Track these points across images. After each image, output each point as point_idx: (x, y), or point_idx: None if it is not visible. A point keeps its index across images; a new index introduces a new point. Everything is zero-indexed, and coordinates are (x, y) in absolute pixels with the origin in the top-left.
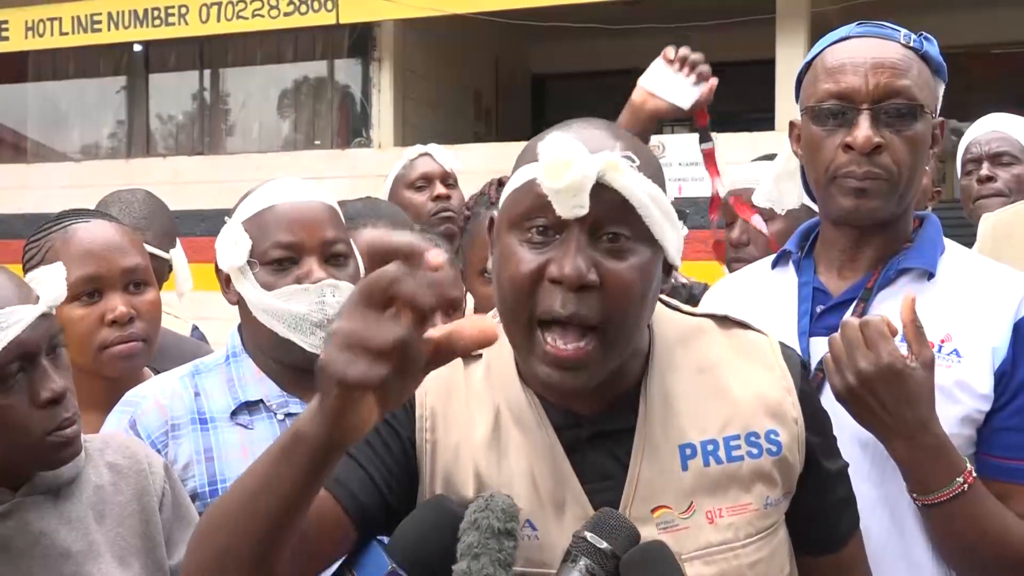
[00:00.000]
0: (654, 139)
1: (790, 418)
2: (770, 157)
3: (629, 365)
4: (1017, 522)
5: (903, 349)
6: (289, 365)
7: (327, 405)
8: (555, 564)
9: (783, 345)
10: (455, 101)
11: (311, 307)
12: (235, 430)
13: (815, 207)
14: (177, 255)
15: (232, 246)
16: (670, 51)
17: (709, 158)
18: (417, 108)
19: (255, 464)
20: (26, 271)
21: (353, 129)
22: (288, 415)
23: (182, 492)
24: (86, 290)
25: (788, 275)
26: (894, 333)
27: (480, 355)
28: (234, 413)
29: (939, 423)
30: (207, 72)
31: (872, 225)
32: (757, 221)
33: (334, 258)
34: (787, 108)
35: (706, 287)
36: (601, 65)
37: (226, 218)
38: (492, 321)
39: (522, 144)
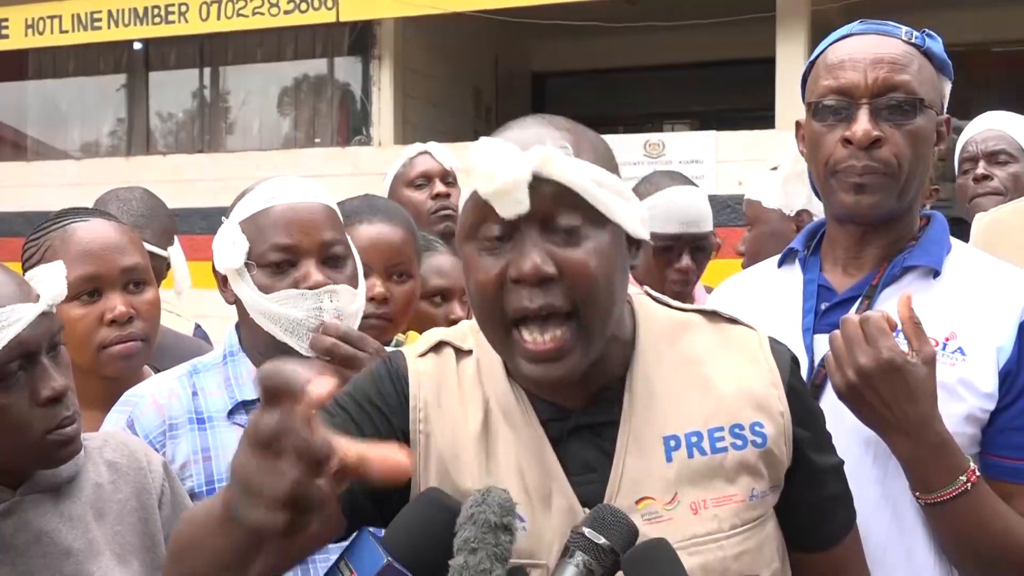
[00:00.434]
0: (654, 137)
1: (776, 411)
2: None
3: (613, 357)
4: (1020, 522)
5: (904, 346)
6: None
7: None
8: (543, 555)
9: (773, 340)
10: (455, 99)
11: (308, 312)
12: (232, 430)
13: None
14: (175, 253)
15: (229, 247)
16: None
17: None
18: (417, 106)
19: (201, 514)
20: (25, 270)
21: (353, 127)
22: None
23: (181, 490)
24: (85, 289)
25: (794, 273)
26: (894, 328)
27: (471, 351)
28: (231, 412)
29: (942, 421)
30: (207, 70)
31: (875, 222)
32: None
33: (332, 260)
34: (787, 106)
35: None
36: (602, 63)
37: (223, 218)
38: (404, 460)
39: None
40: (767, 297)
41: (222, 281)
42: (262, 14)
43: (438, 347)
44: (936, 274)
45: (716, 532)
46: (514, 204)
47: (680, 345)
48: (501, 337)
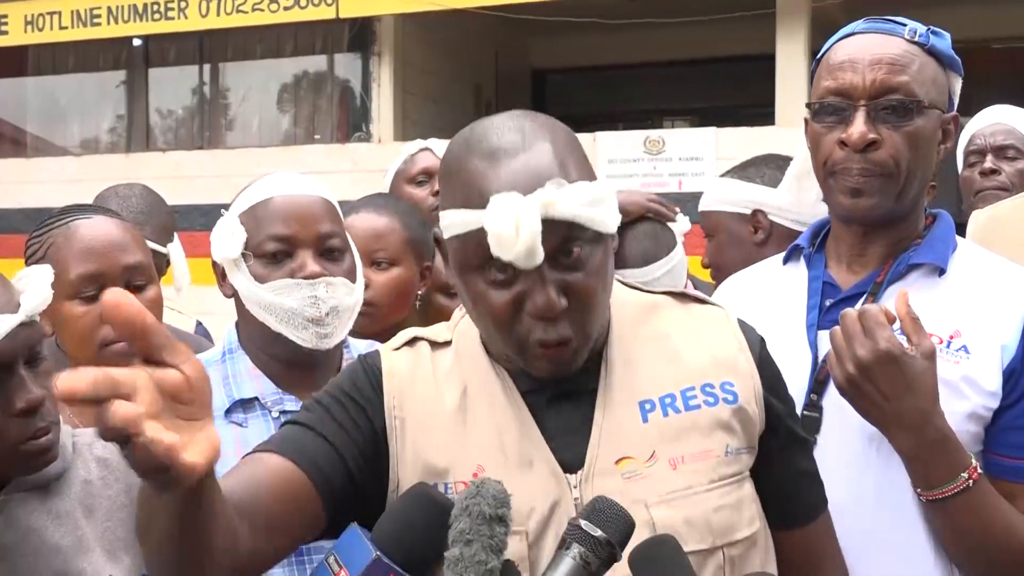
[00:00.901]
0: (654, 134)
1: (744, 372)
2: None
3: None
4: (1022, 520)
5: (905, 343)
6: (283, 360)
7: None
8: (522, 521)
9: (742, 321)
10: (455, 95)
11: (303, 302)
12: (229, 428)
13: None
14: (175, 250)
15: (227, 238)
16: None
17: None
18: (417, 102)
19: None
20: (28, 266)
21: (353, 124)
22: (283, 412)
23: None
24: (87, 287)
25: (799, 270)
26: (891, 321)
27: (449, 341)
28: (228, 411)
29: (943, 417)
30: (207, 66)
31: (878, 222)
32: None
33: (329, 252)
34: (787, 103)
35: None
36: (602, 59)
37: (223, 211)
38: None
39: None
40: (772, 294)
41: (221, 275)
42: (261, 10)
43: (412, 342)
44: (941, 272)
45: (695, 485)
46: (532, 258)
47: (651, 322)
48: (513, 351)
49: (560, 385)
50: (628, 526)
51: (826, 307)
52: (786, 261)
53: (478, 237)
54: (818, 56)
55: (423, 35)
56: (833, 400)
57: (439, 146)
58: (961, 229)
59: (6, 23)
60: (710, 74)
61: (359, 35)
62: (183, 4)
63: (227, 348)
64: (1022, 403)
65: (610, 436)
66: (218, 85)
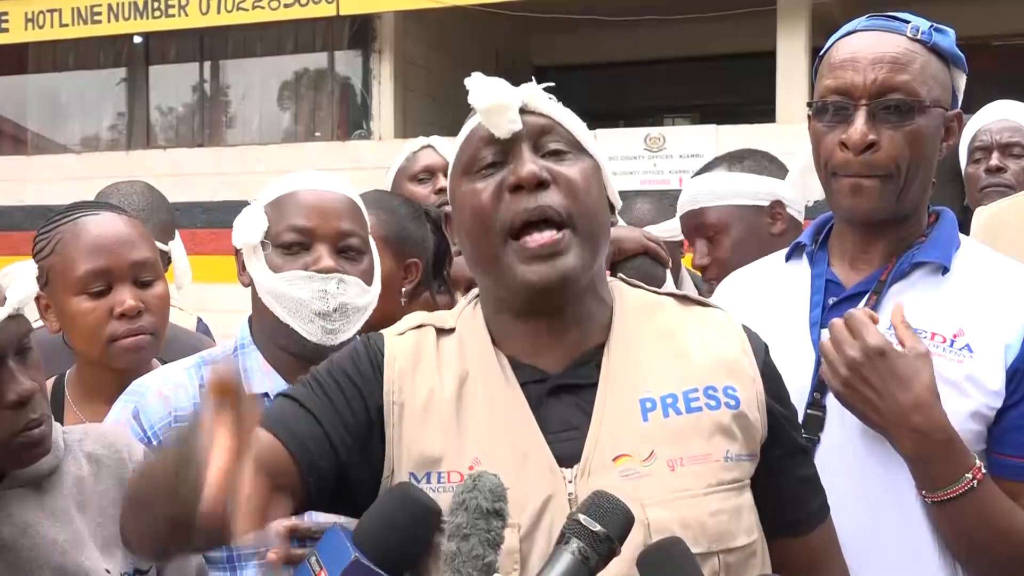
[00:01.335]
0: (654, 131)
1: (748, 376)
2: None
3: (595, 320)
4: None
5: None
6: (293, 354)
7: None
8: (517, 515)
9: (745, 326)
10: (456, 93)
11: (313, 295)
12: None
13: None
14: (176, 247)
15: (249, 224)
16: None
17: None
18: (417, 100)
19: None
20: (37, 263)
21: (353, 121)
22: None
23: None
24: (95, 283)
25: (802, 267)
26: (875, 321)
27: (454, 328)
28: None
29: (946, 418)
30: (207, 64)
31: (879, 222)
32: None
33: (347, 250)
34: (788, 100)
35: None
36: (603, 57)
37: (251, 200)
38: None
39: None
40: (774, 291)
41: (241, 265)
42: (262, 8)
43: (418, 327)
44: (945, 270)
45: (692, 488)
46: (508, 122)
47: (654, 320)
48: (497, 250)
49: (561, 378)
50: (627, 521)
51: (829, 305)
52: (788, 258)
53: (469, 136)
54: (820, 53)
55: (423, 32)
56: (835, 403)
57: (441, 143)
58: (963, 226)
59: (7, 21)
60: (711, 71)
61: (359, 32)
62: (183, 1)
63: (240, 343)
64: None
65: (609, 432)
66: (218, 82)
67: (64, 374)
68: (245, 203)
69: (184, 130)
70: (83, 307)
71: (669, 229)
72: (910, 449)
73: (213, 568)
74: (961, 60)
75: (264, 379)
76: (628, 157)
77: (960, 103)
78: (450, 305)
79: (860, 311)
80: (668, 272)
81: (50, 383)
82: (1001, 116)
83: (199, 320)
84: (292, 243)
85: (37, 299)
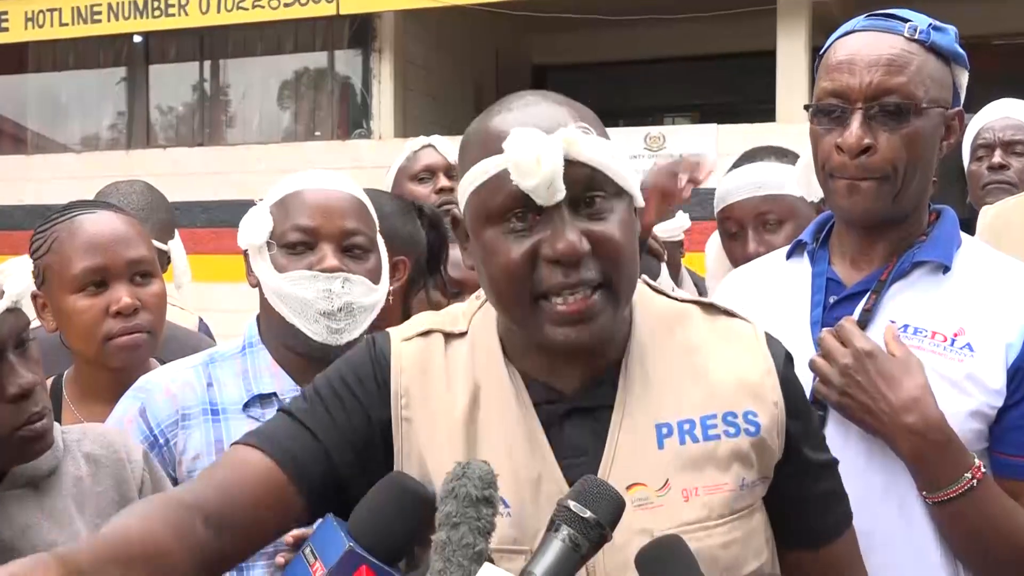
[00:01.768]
0: (654, 131)
1: (770, 400)
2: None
3: (611, 341)
4: None
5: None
6: (300, 354)
7: None
8: (528, 541)
9: (768, 335)
10: (456, 92)
11: (317, 294)
12: (247, 423)
13: None
14: (175, 247)
15: (254, 225)
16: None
17: None
18: (418, 99)
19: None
20: (34, 261)
21: (353, 120)
22: None
23: (162, 478)
24: (91, 281)
25: (802, 265)
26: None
27: (465, 332)
28: (247, 405)
29: (944, 419)
30: (207, 63)
31: (879, 222)
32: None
33: (352, 249)
34: (788, 99)
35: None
36: (602, 56)
37: (257, 200)
38: None
39: None
40: (775, 289)
41: (248, 265)
42: (262, 7)
43: (425, 333)
44: (946, 269)
45: (705, 520)
46: (552, 193)
47: (676, 334)
48: (526, 311)
49: (575, 400)
50: (618, 506)
51: (830, 304)
52: (789, 256)
53: (498, 182)
54: (820, 52)
55: (423, 32)
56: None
57: (442, 143)
58: (964, 223)
59: (7, 20)
60: (711, 71)
61: (359, 32)
62: (183, 1)
63: (248, 342)
64: None
65: (623, 460)
66: (218, 82)
67: (62, 374)
68: (245, 202)
69: (184, 129)
70: (79, 305)
71: (669, 229)
72: (908, 450)
73: None
74: (962, 57)
75: (272, 379)
76: (628, 156)
77: (962, 100)
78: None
79: (847, 320)
80: (664, 266)
81: (48, 383)
82: (1004, 114)
83: (200, 320)
84: (297, 243)
85: (34, 298)
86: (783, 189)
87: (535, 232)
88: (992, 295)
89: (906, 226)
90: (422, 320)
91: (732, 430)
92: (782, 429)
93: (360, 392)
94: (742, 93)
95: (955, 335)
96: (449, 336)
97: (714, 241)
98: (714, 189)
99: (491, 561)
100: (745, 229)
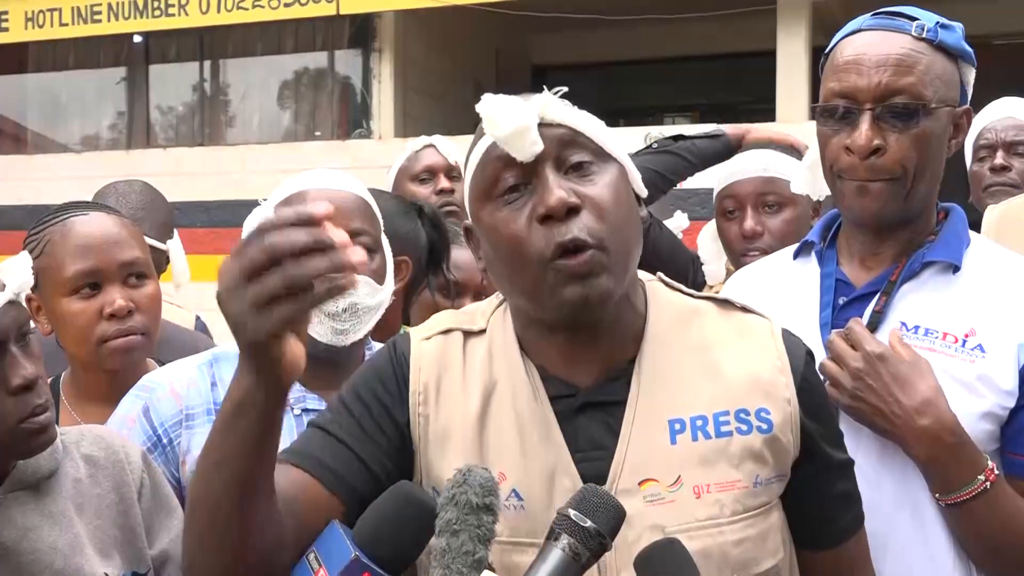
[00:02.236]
0: (654, 131)
1: (782, 398)
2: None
3: (627, 331)
4: None
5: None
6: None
7: (251, 362)
8: (541, 534)
9: (787, 332)
10: (456, 92)
11: None
12: None
13: None
14: (174, 246)
15: (256, 224)
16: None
17: None
18: (418, 99)
19: (208, 442)
20: None
21: (353, 120)
22: (305, 411)
23: (161, 480)
24: (85, 284)
25: (810, 266)
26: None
27: (484, 330)
28: None
29: (957, 421)
30: (207, 63)
31: (888, 223)
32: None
33: None
34: (787, 99)
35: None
36: (603, 56)
37: (260, 201)
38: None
39: None
40: (782, 290)
41: None
42: (262, 7)
43: (446, 332)
44: (956, 269)
45: (718, 517)
46: (529, 145)
47: (690, 330)
48: (533, 278)
49: (590, 394)
50: (618, 516)
51: (839, 305)
52: (796, 256)
53: (484, 157)
54: (825, 51)
55: (423, 32)
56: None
57: (443, 143)
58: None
59: (7, 20)
60: (711, 70)
61: (359, 32)
62: (183, 1)
63: None
64: None
65: (635, 455)
66: (219, 82)
67: (59, 376)
68: (245, 202)
69: (184, 129)
70: (73, 308)
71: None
72: (921, 452)
73: None
74: (969, 55)
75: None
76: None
77: (969, 98)
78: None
79: (855, 322)
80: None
81: None
82: (1006, 114)
83: (197, 318)
84: None
85: (29, 301)
86: (787, 176)
87: (527, 200)
88: (1003, 295)
89: (915, 226)
90: (442, 319)
91: (744, 427)
92: (797, 427)
93: (384, 396)
94: (742, 93)
95: (966, 336)
96: (468, 334)
97: (707, 229)
98: (712, 189)
99: (491, 569)
100: (744, 208)
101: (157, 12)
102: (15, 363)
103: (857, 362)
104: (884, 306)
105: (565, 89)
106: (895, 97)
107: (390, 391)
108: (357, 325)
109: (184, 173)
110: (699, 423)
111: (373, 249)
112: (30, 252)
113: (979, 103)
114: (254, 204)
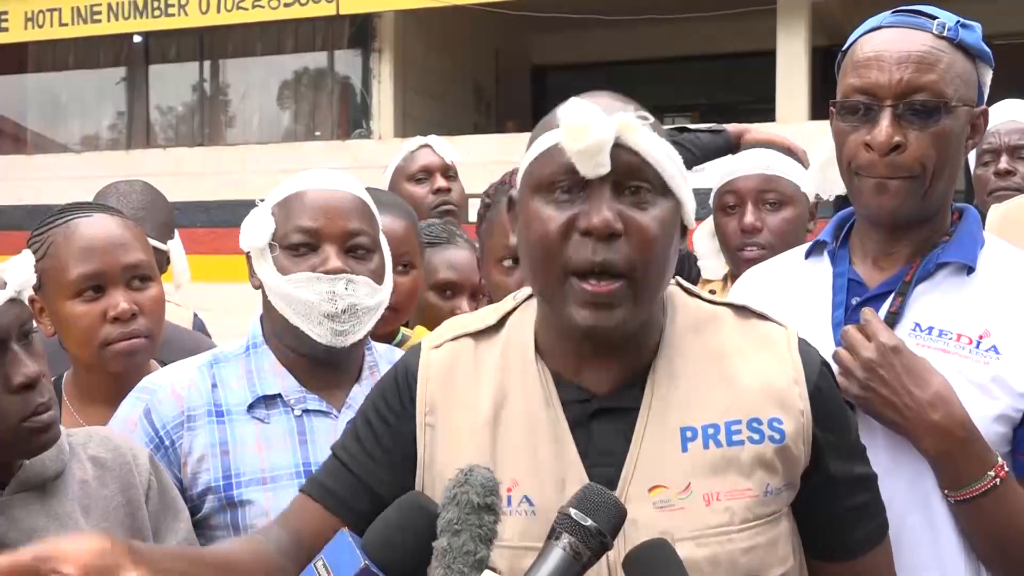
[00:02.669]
0: None
1: (796, 409)
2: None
3: (645, 341)
4: None
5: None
6: (304, 355)
7: None
8: None
9: (804, 341)
10: (455, 92)
11: (320, 296)
12: (251, 424)
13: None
14: (175, 247)
15: (256, 227)
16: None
17: None
18: (417, 99)
19: None
20: None
21: (353, 120)
22: (305, 411)
23: (168, 483)
24: (88, 286)
25: (822, 265)
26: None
27: (494, 327)
28: (251, 407)
29: (968, 416)
30: (207, 63)
31: (904, 222)
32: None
33: (356, 250)
34: (787, 99)
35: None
36: (602, 55)
37: (258, 201)
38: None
39: (523, 135)
40: (794, 290)
41: (250, 267)
42: (262, 7)
43: (455, 339)
44: (970, 270)
45: (727, 525)
46: (596, 165)
47: (707, 338)
48: (556, 284)
49: (604, 400)
50: (619, 515)
51: (852, 305)
52: (808, 255)
53: (551, 153)
54: (844, 48)
55: (423, 32)
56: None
57: (439, 143)
58: None
59: (6, 20)
60: (711, 70)
61: (359, 32)
62: (183, 1)
63: (251, 342)
64: None
65: (646, 462)
66: (218, 82)
67: (61, 376)
68: (245, 202)
69: (184, 129)
70: (76, 311)
71: None
72: (932, 447)
73: None
74: (988, 56)
75: (276, 379)
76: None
77: (986, 98)
78: (452, 311)
79: (870, 311)
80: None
81: None
82: (1009, 117)
83: (195, 316)
84: (299, 244)
85: (32, 302)
86: (788, 176)
87: (576, 206)
88: (1018, 296)
89: (930, 226)
90: (452, 325)
91: (756, 436)
92: (808, 438)
93: (390, 417)
94: (742, 93)
95: (980, 337)
96: (478, 335)
97: (704, 226)
98: (711, 190)
99: (492, 569)
100: (744, 204)
101: (157, 12)
102: (17, 361)
103: (870, 352)
104: (900, 307)
105: (648, 116)
106: (916, 94)
107: (394, 411)
108: (356, 326)
109: (184, 173)
110: (711, 431)
111: (371, 248)
112: (33, 254)
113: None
114: (254, 204)
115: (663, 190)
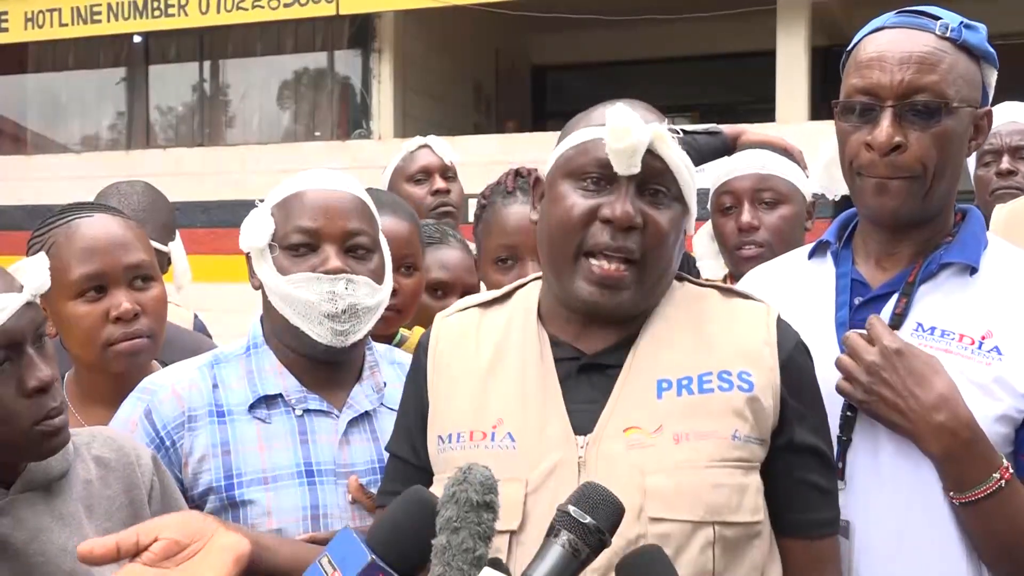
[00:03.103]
0: None
1: (765, 366)
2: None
3: (637, 318)
4: None
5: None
6: (305, 355)
7: None
8: (526, 473)
9: (782, 320)
10: (455, 92)
11: (321, 296)
12: (252, 424)
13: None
14: (176, 247)
15: (256, 227)
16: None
17: None
18: (417, 99)
19: None
20: None
21: (353, 120)
22: (306, 411)
23: (171, 483)
24: (90, 287)
25: (826, 266)
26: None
27: (503, 298)
28: (252, 407)
29: (973, 418)
30: (207, 63)
31: (906, 222)
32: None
33: (355, 249)
34: (787, 99)
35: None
36: (602, 56)
37: (257, 202)
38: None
39: (523, 135)
40: (797, 290)
41: (250, 267)
42: (262, 7)
43: (463, 309)
44: (973, 271)
45: (695, 459)
46: (630, 165)
47: (691, 309)
48: (569, 262)
49: (593, 357)
50: (617, 512)
51: (855, 306)
52: (811, 256)
53: (589, 146)
54: (848, 48)
55: (423, 32)
56: (864, 421)
57: (438, 143)
58: None
59: (6, 20)
60: (710, 70)
61: (359, 32)
62: (183, 1)
63: (252, 343)
64: None
65: (623, 406)
66: (218, 82)
67: (63, 377)
68: (245, 203)
69: (184, 130)
70: (78, 311)
71: None
72: (936, 448)
73: None
74: (992, 56)
75: (277, 379)
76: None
77: (990, 100)
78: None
79: (876, 318)
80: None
81: None
82: (1010, 118)
83: (196, 317)
84: (299, 244)
85: None
86: (783, 175)
87: (601, 196)
88: (1020, 297)
89: (932, 226)
90: (463, 301)
91: (725, 385)
92: (777, 393)
93: (413, 392)
94: (742, 93)
95: (983, 338)
96: (486, 305)
97: (704, 228)
98: (709, 190)
99: (491, 566)
100: (741, 203)
101: (157, 12)
102: (31, 365)
103: (873, 356)
104: (904, 308)
105: (677, 131)
106: (917, 95)
107: (419, 383)
108: (357, 326)
109: (184, 173)
110: (684, 382)
111: (371, 248)
112: (34, 254)
113: None
114: (253, 204)
115: (677, 196)
